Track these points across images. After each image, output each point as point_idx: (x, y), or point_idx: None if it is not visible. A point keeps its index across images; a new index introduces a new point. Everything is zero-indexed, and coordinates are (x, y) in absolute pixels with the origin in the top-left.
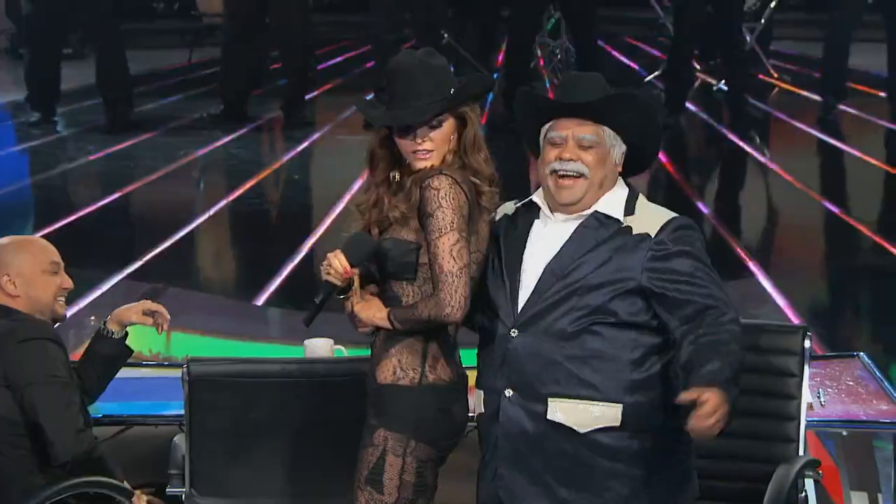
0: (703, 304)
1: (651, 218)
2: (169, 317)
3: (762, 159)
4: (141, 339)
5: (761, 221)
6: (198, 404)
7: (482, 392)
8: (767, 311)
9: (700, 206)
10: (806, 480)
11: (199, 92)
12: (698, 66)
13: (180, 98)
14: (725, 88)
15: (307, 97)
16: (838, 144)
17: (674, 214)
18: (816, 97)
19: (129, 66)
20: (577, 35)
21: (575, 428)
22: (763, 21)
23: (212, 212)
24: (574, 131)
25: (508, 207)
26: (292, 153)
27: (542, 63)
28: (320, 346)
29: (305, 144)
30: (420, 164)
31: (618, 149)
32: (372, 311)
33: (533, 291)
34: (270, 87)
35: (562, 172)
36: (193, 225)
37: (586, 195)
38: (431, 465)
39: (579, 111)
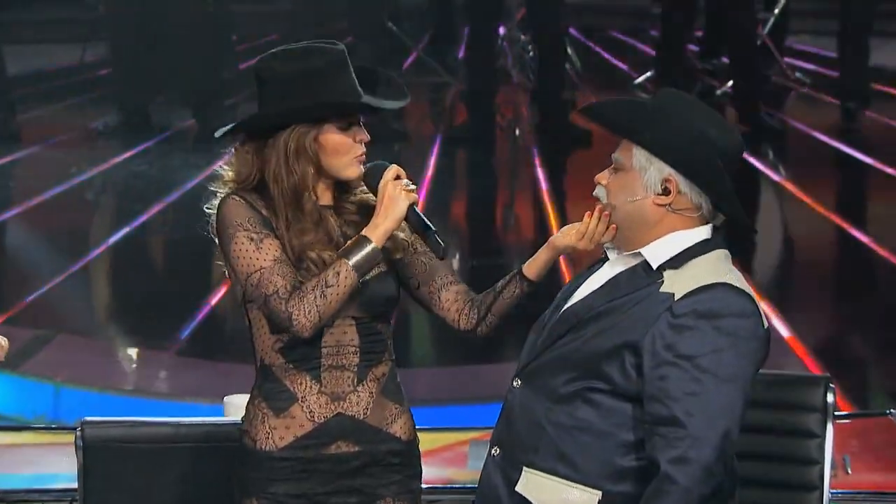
0: (669, 414)
1: (694, 278)
2: (5, 344)
3: (777, 178)
4: (24, 398)
5: (775, 252)
6: (94, 475)
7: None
8: (782, 359)
9: None
10: None
11: (93, 96)
12: (697, 66)
13: (70, 104)
14: (731, 93)
15: (226, 102)
16: (868, 160)
17: (724, 280)
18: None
19: (7, 65)
20: (537, 27)
21: None
22: (777, 11)
23: (110, 242)
24: (615, 152)
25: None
26: (208, 170)
27: (510, 62)
28: (243, 404)
29: (224, 159)
30: (357, 171)
31: (654, 174)
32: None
33: (544, 338)
34: (181, 90)
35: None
36: (88, 258)
37: (616, 228)
38: None
39: (610, 126)
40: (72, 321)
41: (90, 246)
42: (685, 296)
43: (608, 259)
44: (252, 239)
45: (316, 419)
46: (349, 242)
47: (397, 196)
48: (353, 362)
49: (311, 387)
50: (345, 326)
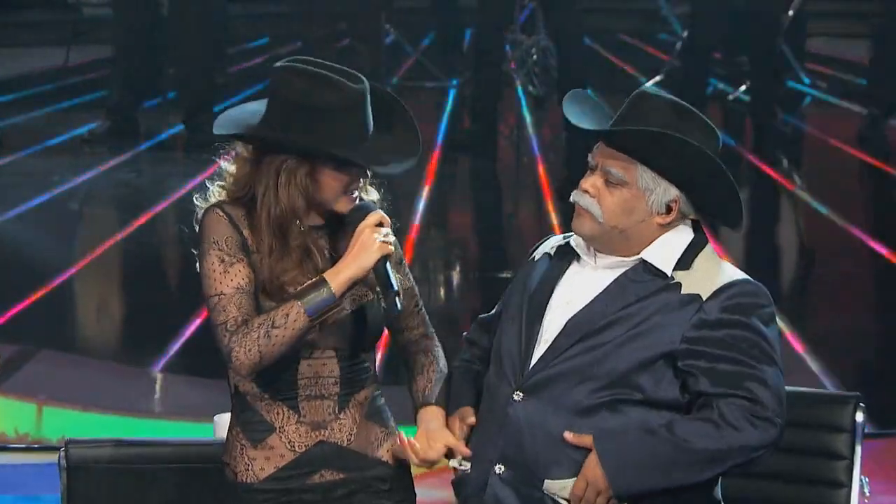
0: (743, 394)
1: (709, 276)
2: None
3: (792, 187)
4: (4, 417)
5: (791, 265)
6: (78, 497)
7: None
8: (798, 377)
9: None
10: None
11: (78, 102)
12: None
13: (54, 110)
14: (747, 98)
15: (217, 108)
16: (887, 169)
17: (739, 276)
18: (859, 109)
19: None
20: (557, 31)
21: None
22: (792, 12)
23: (96, 254)
24: (606, 161)
25: (554, 242)
26: (198, 179)
27: (513, 66)
28: None
29: (215, 168)
30: (348, 206)
31: (660, 195)
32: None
33: (549, 348)
34: (171, 95)
35: (576, 202)
36: (72, 271)
37: (604, 238)
38: None
39: (610, 139)
40: (55, 337)
41: (74, 258)
42: (712, 296)
43: (578, 256)
44: (223, 261)
45: (296, 448)
46: (307, 283)
47: (370, 245)
48: (333, 392)
49: (289, 417)
50: (325, 359)
